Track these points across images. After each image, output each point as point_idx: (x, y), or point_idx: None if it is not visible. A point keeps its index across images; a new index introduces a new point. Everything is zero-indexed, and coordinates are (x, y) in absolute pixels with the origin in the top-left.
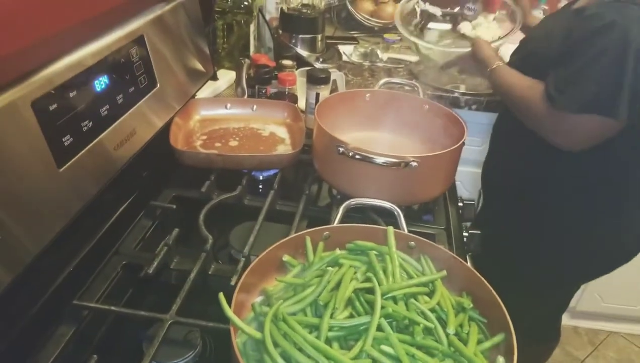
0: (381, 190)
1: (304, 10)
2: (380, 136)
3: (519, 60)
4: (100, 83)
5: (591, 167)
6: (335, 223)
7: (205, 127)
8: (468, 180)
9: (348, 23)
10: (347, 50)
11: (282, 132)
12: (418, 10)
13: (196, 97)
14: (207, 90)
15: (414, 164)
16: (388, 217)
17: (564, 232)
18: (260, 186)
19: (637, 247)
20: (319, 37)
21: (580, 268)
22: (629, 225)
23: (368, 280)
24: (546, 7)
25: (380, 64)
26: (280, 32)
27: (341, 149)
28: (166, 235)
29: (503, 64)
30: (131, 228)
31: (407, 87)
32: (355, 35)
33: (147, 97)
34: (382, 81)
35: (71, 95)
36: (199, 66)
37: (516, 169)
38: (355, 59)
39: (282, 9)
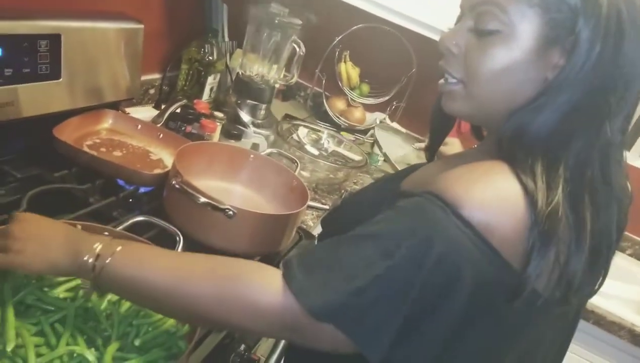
0: (200, 229)
1: (256, 80)
2: (245, 193)
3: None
4: None
5: None
6: (120, 229)
7: (108, 135)
8: None
9: (323, 115)
10: (301, 133)
11: (169, 162)
12: (378, 122)
13: (128, 114)
14: (147, 113)
15: (230, 212)
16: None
17: None
18: (131, 199)
19: None
20: (263, 106)
21: None
22: None
23: None
24: None
25: (315, 152)
26: (231, 91)
27: (174, 181)
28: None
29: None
30: None
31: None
32: (322, 125)
33: (42, 83)
34: (269, 150)
35: None
36: (123, 85)
37: None
38: (305, 141)
39: (238, 72)
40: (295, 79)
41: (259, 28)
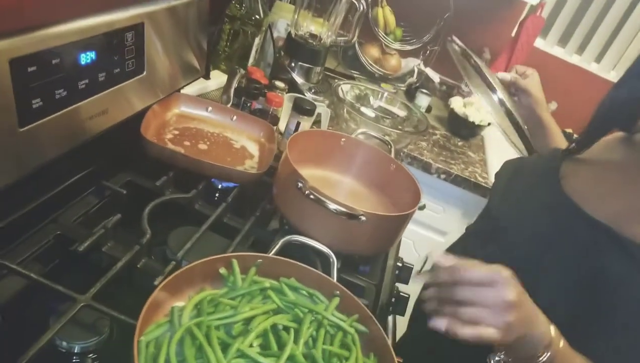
0: (326, 233)
1: (310, 41)
2: (342, 180)
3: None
4: (86, 57)
5: None
6: (272, 253)
7: (181, 122)
8: (419, 241)
9: (352, 62)
10: (344, 88)
11: (253, 149)
12: (416, 70)
13: (182, 92)
14: (195, 87)
15: (363, 218)
16: (326, 259)
17: None
18: (217, 195)
19: None
20: (318, 69)
21: None
22: None
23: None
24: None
25: (371, 114)
26: (282, 53)
27: (300, 185)
28: (109, 218)
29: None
30: (76, 202)
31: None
32: (355, 75)
33: (130, 81)
34: (359, 130)
35: (53, 62)
36: (193, 64)
37: None
38: (349, 98)
39: (290, 32)
40: (355, 39)
41: None
